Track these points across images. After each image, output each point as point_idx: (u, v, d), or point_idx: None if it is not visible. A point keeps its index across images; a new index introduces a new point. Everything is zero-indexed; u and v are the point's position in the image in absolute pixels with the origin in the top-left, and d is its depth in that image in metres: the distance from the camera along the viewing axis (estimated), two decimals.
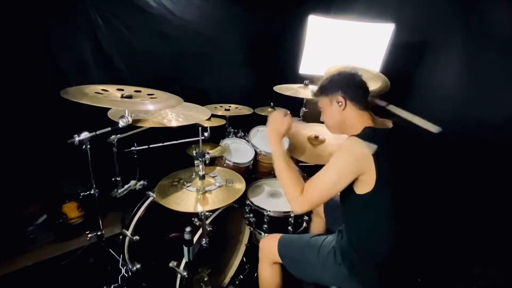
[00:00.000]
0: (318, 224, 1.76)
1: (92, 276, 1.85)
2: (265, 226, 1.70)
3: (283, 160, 1.23)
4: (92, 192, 1.48)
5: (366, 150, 1.06)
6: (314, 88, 1.28)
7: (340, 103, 1.20)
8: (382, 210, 1.15)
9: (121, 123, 1.31)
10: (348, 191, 1.13)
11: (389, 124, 1.25)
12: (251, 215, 1.75)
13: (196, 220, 1.58)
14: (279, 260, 1.41)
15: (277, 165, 1.24)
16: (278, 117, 1.33)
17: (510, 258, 1.82)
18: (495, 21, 1.88)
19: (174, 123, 1.53)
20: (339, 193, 1.21)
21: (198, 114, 1.63)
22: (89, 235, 1.53)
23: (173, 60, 2.51)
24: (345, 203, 1.22)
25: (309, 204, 1.14)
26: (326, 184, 1.11)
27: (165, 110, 1.58)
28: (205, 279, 1.56)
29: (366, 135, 1.12)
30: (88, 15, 2.12)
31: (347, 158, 1.09)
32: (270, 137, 1.31)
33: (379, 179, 1.07)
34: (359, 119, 1.20)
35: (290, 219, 1.69)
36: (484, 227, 1.94)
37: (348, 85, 1.21)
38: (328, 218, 1.65)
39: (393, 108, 1.45)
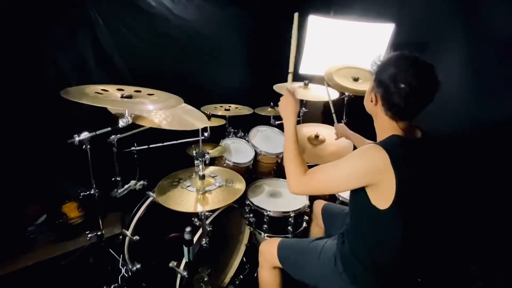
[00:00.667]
0: (317, 232, 1.75)
1: (92, 276, 1.85)
2: (265, 226, 1.70)
3: (295, 140, 1.18)
4: (92, 192, 1.48)
5: (388, 163, 0.95)
6: (377, 58, 1.08)
7: (372, 100, 1.07)
8: (396, 227, 1.06)
9: (121, 123, 1.31)
10: (363, 201, 1.04)
11: (418, 133, 1.11)
12: (251, 215, 1.75)
13: (196, 220, 1.58)
14: (279, 265, 1.39)
15: (289, 143, 1.18)
16: (289, 98, 1.25)
17: (510, 258, 1.82)
18: (495, 21, 1.88)
19: (166, 126, 1.48)
20: (350, 201, 1.18)
21: (194, 121, 1.58)
22: (89, 235, 1.53)
23: (173, 60, 2.51)
24: (357, 211, 1.15)
25: (306, 187, 1.10)
26: (331, 179, 1.05)
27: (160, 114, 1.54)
28: (205, 279, 1.56)
29: (392, 145, 1.00)
30: (88, 15, 2.12)
31: (363, 165, 0.99)
32: (287, 117, 1.23)
33: (399, 196, 0.97)
34: (388, 124, 1.06)
35: (290, 219, 1.69)
36: (484, 227, 1.94)
37: (392, 88, 0.98)
38: (327, 225, 1.62)
39: None
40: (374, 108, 1.09)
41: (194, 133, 1.61)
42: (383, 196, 1.00)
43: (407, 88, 0.95)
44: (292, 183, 1.14)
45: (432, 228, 1.83)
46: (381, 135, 1.08)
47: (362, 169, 1.00)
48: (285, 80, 2.11)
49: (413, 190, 1.03)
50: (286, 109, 1.24)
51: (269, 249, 1.43)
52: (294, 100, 1.24)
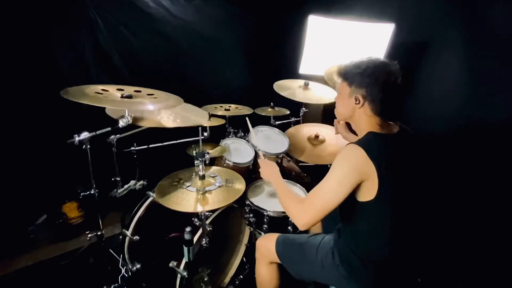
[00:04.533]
0: (315, 230, 1.75)
1: (92, 276, 1.85)
2: (265, 226, 1.70)
3: (285, 189, 1.27)
4: (92, 192, 1.48)
5: (367, 158, 1.02)
6: (341, 66, 1.19)
7: (358, 102, 1.14)
8: (383, 217, 1.12)
9: (121, 123, 1.31)
10: (348, 197, 1.08)
11: (395, 129, 1.18)
12: (251, 215, 1.75)
13: (196, 220, 1.57)
14: (277, 260, 1.40)
15: (281, 194, 1.26)
16: (267, 164, 1.43)
17: (510, 258, 1.82)
18: (495, 21, 1.88)
19: (172, 124, 1.52)
20: None
21: (197, 117, 1.63)
22: (89, 235, 1.53)
23: (173, 60, 2.51)
24: (344, 208, 1.17)
25: (310, 213, 1.09)
26: (327, 194, 1.07)
27: (163, 112, 1.57)
28: (205, 279, 1.56)
29: (367, 141, 1.08)
30: (88, 15, 2.12)
31: (347, 167, 1.05)
32: (271, 178, 1.37)
33: (381, 187, 1.03)
34: (367, 121, 1.15)
35: (290, 219, 1.69)
36: (484, 227, 1.94)
37: (377, 87, 1.09)
38: (324, 221, 1.62)
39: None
40: (352, 110, 1.17)
41: (194, 133, 1.61)
42: (368, 190, 1.06)
43: (393, 79, 1.09)
44: (296, 216, 1.14)
45: (426, 224, 1.84)
46: (360, 135, 1.17)
47: (349, 170, 1.05)
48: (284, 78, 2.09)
49: (394, 181, 1.08)
50: (269, 173, 1.40)
51: (266, 244, 1.44)
52: (269, 163, 1.44)
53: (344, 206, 1.16)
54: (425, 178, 1.23)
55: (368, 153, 1.02)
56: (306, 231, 1.77)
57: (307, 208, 1.10)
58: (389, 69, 1.10)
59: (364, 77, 1.11)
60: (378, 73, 1.09)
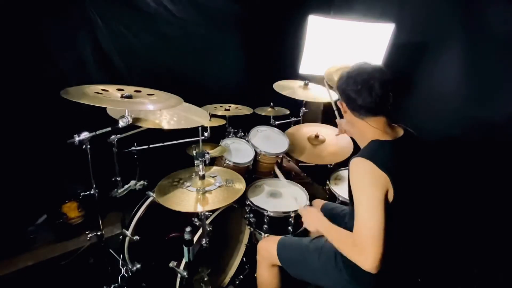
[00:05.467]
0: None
1: (92, 276, 1.85)
2: (265, 226, 1.70)
3: (333, 231, 1.16)
4: (92, 192, 1.48)
5: (377, 169, 1.00)
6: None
7: (342, 106, 1.18)
8: (389, 222, 1.08)
9: (121, 123, 1.31)
10: (353, 201, 1.07)
11: (400, 132, 1.16)
12: (251, 215, 1.75)
13: (196, 220, 1.58)
14: (278, 263, 1.39)
15: (330, 237, 1.17)
16: (309, 213, 1.31)
17: (510, 258, 1.82)
18: (495, 21, 1.88)
19: (174, 126, 1.52)
20: (350, 202, 1.17)
21: (198, 118, 1.62)
22: (89, 235, 1.53)
23: (173, 60, 2.51)
24: (350, 212, 1.17)
25: (367, 249, 0.99)
26: (368, 221, 1.00)
27: (165, 113, 1.58)
28: (205, 279, 1.56)
29: (371, 151, 1.07)
30: (88, 15, 2.12)
31: (367, 184, 1.02)
32: (316, 227, 1.25)
33: (396, 195, 1.02)
34: (365, 129, 1.13)
35: (290, 219, 1.69)
36: (484, 227, 1.94)
37: (348, 91, 1.10)
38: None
39: None
40: (348, 117, 1.18)
41: (194, 133, 1.61)
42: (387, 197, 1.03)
43: (356, 85, 1.08)
44: (360, 262, 1.02)
45: (428, 225, 1.84)
46: (363, 143, 1.15)
47: (371, 187, 1.01)
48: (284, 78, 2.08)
49: (403, 186, 1.06)
50: (314, 221, 1.26)
51: (267, 247, 1.44)
52: (311, 211, 1.31)
53: (351, 210, 1.16)
54: (431, 180, 1.22)
55: (375, 163, 1.01)
56: (307, 234, 1.77)
57: (364, 248, 1.00)
58: (363, 71, 1.09)
59: (339, 83, 1.15)
60: (347, 76, 1.12)
